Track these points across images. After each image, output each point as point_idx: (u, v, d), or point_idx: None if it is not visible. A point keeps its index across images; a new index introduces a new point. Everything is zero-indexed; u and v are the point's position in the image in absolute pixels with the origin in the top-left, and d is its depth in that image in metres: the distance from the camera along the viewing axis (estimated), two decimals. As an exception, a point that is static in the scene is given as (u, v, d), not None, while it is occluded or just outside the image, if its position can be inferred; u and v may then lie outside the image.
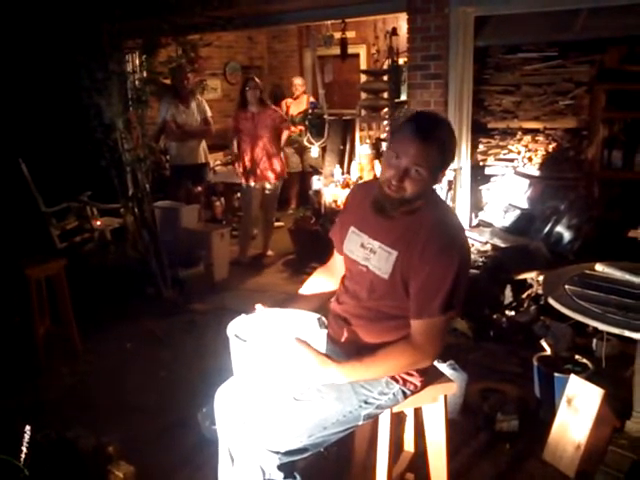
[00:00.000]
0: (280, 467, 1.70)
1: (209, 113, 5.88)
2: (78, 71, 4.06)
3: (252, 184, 5.35)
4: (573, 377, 2.57)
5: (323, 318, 1.88)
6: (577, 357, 2.99)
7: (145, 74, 4.37)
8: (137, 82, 4.36)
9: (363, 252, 1.87)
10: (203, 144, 5.97)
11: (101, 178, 4.42)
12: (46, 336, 3.56)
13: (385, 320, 1.84)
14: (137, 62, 4.75)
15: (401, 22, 5.83)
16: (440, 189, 4.40)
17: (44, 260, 3.58)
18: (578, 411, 2.48)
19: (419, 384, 1.89)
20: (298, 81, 7.37)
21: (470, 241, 4.39)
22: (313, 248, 4.89)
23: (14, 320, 3.58)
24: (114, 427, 2.75)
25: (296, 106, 7.20)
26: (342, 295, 1.98)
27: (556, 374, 2.79)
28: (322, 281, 2.13)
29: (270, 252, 5.64)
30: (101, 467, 2.37)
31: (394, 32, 5.66)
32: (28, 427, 2.04)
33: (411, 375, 1.86)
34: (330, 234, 2.09)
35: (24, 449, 2.01)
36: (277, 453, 1.69)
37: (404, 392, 1.87)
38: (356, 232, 1.92)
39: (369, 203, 1.84)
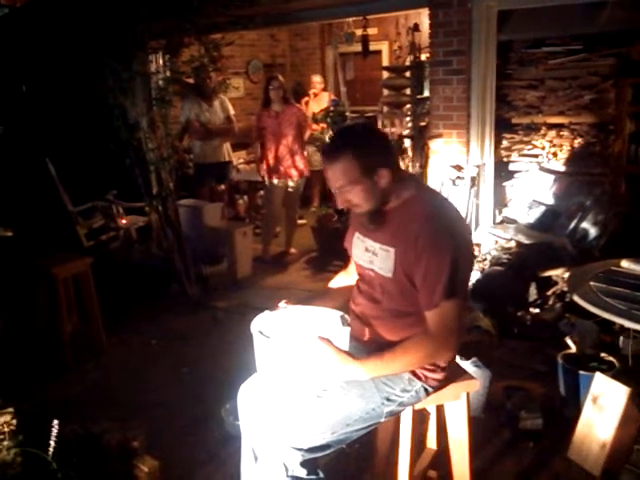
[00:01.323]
0: (303, 464, 1.71)
1: (232, 111, 5.92)
2: (103, 72, 4.12)
3: (275, 182, 5.37)
4: (598, 375, 2.54)
5: (346, 316, 1.89)
6: (603, 355, 2.94)
7: (168, 74, 4.41)
8: (161, 82, 4.40)
9: (368, 256, 1.89)
10: (226, 142, 6.02)
11: (126, 177, 4.48)
12: (72, 333, 3.62)
13: (402, 317, 1.85)
14: (161, 62, 4.80)
15: (423, 18, 5.79)
16: (463, 185, 4.38)
17: (71, 259, 3.64)
18: (603, 409, 2.45)
19: (441, 381, 1.88)
20: (317, 79, 7.36)
21: (494, 238, 4.35)
22: (335, 246, 4.85)
23: (42, 318, 3.63)
24: (139, 422, 2.77)
25: (317, 104, 7.18)
26: (357, 297, 2.00)
27: (581, 372, 2.76)
28: (344, 281, 2.17)
29: (293, 250, 5.65)
30: (126, 461, 2.41)
31: (416, 28, 5.62)
32: (56, 422, 2.07)
33: (433, 372, 1.86)
34: (344, 243, 2.10)
35: (52, 443, 2.05)
36: (300, 450, 1.70)
37: (426, 389, 1.87)
38: (360, 238, 1.95)
39: None
